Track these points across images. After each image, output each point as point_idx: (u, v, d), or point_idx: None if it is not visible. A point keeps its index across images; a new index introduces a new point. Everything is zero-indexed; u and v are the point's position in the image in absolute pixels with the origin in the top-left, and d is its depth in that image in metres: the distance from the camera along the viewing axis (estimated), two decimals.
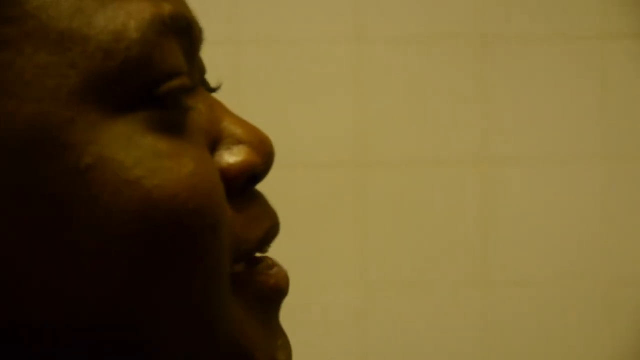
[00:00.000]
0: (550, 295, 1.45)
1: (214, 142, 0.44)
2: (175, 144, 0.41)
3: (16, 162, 0.38)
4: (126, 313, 0.40)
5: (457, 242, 1.44)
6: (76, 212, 0.39)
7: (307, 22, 1.43)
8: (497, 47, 1.44)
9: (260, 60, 1.43)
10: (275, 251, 0.47)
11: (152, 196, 0.40)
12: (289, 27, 1.43)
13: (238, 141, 0.45)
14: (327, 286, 1.44)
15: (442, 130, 1.44)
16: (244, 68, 1.43)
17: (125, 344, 0.40)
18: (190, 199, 0.40)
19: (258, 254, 0.46)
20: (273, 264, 0.46)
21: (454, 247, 1.44)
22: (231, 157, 0.44)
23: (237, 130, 0.45)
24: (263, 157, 0.45)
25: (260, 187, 0.47)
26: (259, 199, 0.46)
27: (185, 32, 0.43)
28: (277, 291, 0.46)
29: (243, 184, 0.45)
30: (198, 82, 0.46)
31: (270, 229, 0.45)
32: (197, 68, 0.46)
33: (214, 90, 0.48)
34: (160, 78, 0.41)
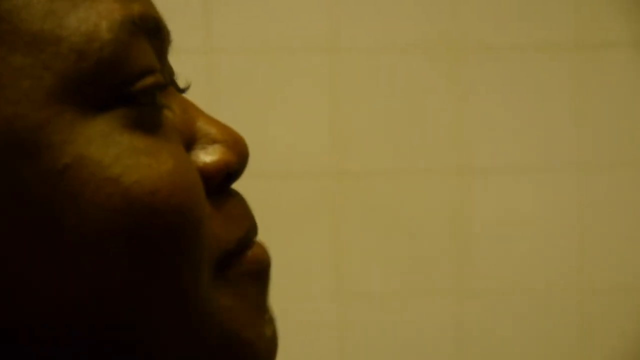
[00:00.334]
0: (525, 305, 1.46)
1: (189, 142, 0.45)
2: (152, 141, 0.41)
3: None
4: (113, 309, 0.40)
5: (432, 251, 1.44)
6: (57, 212, 0.39)
7: (282, 31, 1.43)
8: (472, 56, 1.44)
9: (235, 70, 1.42)
10: None
11: (131, 193, 0.40)
12: (264, 36, 1.43)
13: (213, 140, 0.45)
14: (303, 297, 1.43)
15: (417, 140, 1.44)
16: (218, 77, 1.42)
17: (113, 339, 0.41)
18: (170, 196, 0.41)
19: None
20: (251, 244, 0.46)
21: (430, 257, 1.44)
22: (207, 156, 0.45)
23: (212, 130, 0.45)
24: (238, 156, 0.45)
25: None
26: (237, 198, 0.46)
27: (154, 32, 0.43)
28: (258, 263, 0.46)
29: (219, 183, 0.45)
30: (170, 82, 0.46)
31: (249, 230, 0.46)
32: (167, 69, 0.46)
33: (183, 91, 0.49)
34: (134, 77, 0.41)
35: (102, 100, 0.40)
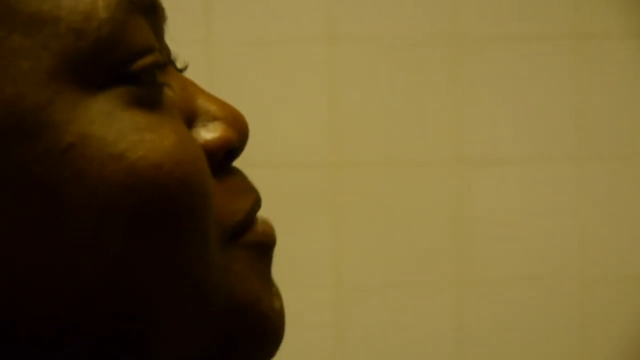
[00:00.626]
0: (525, 295, 1.46)
1: (189, 120, 0.45)
2: (154, 118, 0.41)
3: None
4: (121, 285, 0.40)
5: (431, 242, 1.45)
6: (62, 191, 0.39)
7: (281, 23, 1.43)
8: (471, 48, 1.44)
9: (234, 62, 1.42)
10: None
11: (136, 168, 0.40)
12: (263, 28, 1.43)
13: (213, 118, 0.45)
14: (302, 288, 1.44)
15: (416, 131, 1.44)
16: (218, 69, 1.42)
17: (122, 316, 0.41)
18: (175, 169, 0.41)
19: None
20: (256, 219, 0.47)
21: (429, 247, 1.45)
22: (208, 133, 0.45)
23: (212, 107, 0.46)
24: (239, 133, 0.46)
25: None
26: (239, 174, 0.46)
27: (151, 10, 0.44)
28: (267, 236, 0.46)
29: (221, 160, 0.45)
30: (168, 61, 0.47)
31: (255, 203, 0.46)
32: (164, 47, 0.46)
33: (181, 70, 0.49)
34: (133, 55, 0.41)
35: (102, 79, 0.40)
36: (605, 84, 1.45)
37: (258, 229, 0.46)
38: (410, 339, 1.45)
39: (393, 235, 1.44)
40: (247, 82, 1.43)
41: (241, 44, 1.43)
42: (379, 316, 1.45)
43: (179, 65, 0.48)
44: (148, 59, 0.42)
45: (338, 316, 1.45)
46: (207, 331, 0.43)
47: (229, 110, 0.46)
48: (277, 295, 0.47)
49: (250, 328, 0.45)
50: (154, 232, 0.40)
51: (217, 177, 0.44)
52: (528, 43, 1.44)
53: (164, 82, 0.43)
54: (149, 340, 0.41)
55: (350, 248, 1.44)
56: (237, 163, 0.47)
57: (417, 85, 1.44)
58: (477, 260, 1.45)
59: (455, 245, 1.45)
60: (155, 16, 0.44)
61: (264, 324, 0.45)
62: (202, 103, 0.46)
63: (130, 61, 0.41)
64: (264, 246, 0.46)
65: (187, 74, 0.48)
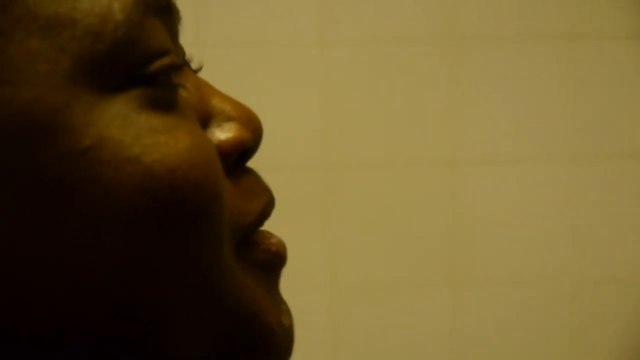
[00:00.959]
0: (519, 296, 1.46)
1: (204, 120, 0.45)
2: (169, 120, 0.42)
3: (15, 148, 0.39)
4: (134, 288, 0.40)
5: (425, 243, 1.45)
6: (79, 194, 0.39)
7: (272, 24, 1.43)
8: (463, 48, 1.44)
9: (225, 63, 1.42)
10: None
11: (152, 171, 0.40)
12: (255, 30, 1.43)
13: (228, 118, 0.46)
14: (296, 288, 1.43)
15: (410, 132, 1.44)
16: (209, 71, 1.42)
17: (135, 317, 0.41)
18: (189, 172, 0.41)
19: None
20: (270, 234, 0.47)
21: (423, 248, 1.45)
22: (223, 133, 0.45)
23: (227, 108, 0.46)
24: (253, 133, 0.46)
25: None
26: (253, 175, 0.47)
27: (166, 11, 0.44)
28: (279, 257, 0.46)
29: (236, 160, 0.45)
30: (183, 61, 0.47)
31: (268, 203, 0.46)
32: (179, 48, 0.47)
33: (196, 71, 0.49)
34: (149, 57, 0.41)
35: (118, 81, 0.41)
36: (599, 83, 1.46)
37: (273, 248, 0.46)
38: (405, 340, 1.45)
39: (387, 237, 1.44)
40: (239, 84, 1.43)
41: (232, 45, 1.43)
42: (374, 317, 1.45)
43: (193, 66, 0.49)
44: (164, 61, 0.42)
45: (333, 317, 1.45)
46: (209, 333, 0.43)
47: (243, 110, 0.46)
48: (287, 313, 0.47)
49: (253, 337, 0.45)
50: (167, 234, 0.41)
51: (232, 177, 0.45)
52: (524, 43, 1.45)
53: (179, 83, 0.43)
54: (149, 340, 0.41)
55: (344, 249, 1.44)
56: None
57: (411, 87, 1.44)
58: (471, 261, 1.45)
59: (449, 245, 1.45)
60: (170, 17, 0.44)
61: (268, 337, 0.45)
62: (217, 103, 0.46)
63: (147, 63, 0.41)
64: (274, 265, 0.46)
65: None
